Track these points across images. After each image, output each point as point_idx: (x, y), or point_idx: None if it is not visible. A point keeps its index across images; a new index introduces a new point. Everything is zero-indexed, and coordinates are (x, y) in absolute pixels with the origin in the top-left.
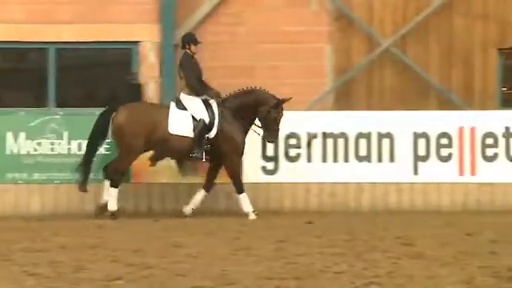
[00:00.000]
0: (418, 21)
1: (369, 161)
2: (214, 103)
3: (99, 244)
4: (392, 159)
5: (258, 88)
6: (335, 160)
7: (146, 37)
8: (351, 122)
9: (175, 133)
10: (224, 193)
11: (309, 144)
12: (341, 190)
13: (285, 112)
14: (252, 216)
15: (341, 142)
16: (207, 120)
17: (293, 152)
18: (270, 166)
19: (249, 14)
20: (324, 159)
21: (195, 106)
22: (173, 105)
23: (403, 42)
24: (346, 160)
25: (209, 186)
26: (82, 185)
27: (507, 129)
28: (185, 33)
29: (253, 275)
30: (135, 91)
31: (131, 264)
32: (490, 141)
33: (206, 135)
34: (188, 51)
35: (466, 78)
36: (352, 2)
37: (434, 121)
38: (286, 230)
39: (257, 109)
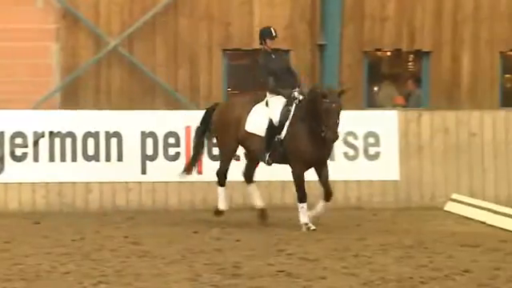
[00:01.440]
0: (144, 21)
1: (97, 160)
2: (294, 103)
3: None
4: (120, 158)
5: (316, 84)
6: (63, 159)
7: None
8: (79, 121)
9: (251, 131)
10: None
11: (35, 143)
12: (68, 189)
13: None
14: (304, 228)
15: (68, 141)
16: (276, 120)
17: (19, 151)
18: None
19: None
20: (51, 159)
21: (274, 105)
22: (262, 102)
23: (130, 42)
24: (74, 159)
25: (326, 195)
26: (188, 170)
27: None
28: (261, 28)
29: None
30: None
31: None
32: None
33: (278, 137)
34: (266, 48)
35: (192, 78)
36: (78, 0)
37: (162, 120)
38: (12, 230)
39: (316, 106)
